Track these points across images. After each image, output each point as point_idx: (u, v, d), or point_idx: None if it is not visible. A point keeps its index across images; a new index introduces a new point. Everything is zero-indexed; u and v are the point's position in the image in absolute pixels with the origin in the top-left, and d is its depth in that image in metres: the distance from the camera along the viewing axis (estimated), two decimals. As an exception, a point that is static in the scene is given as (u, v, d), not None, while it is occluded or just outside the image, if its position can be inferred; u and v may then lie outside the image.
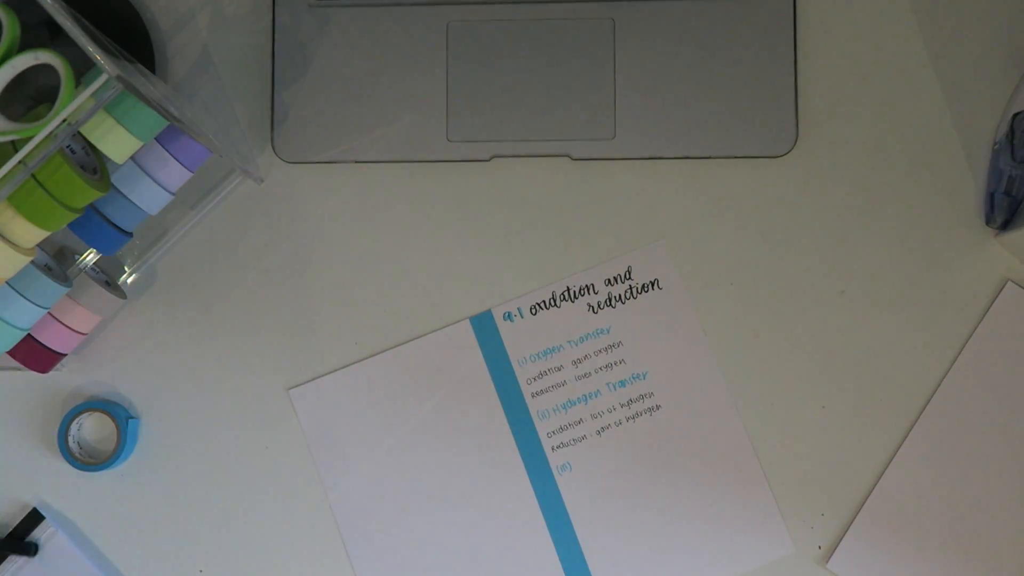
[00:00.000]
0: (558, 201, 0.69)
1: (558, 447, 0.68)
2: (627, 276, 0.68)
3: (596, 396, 0.68)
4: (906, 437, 0.67)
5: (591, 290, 0.69)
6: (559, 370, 0.69)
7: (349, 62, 0.68)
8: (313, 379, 0.69)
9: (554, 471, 0.68)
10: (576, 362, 0.69)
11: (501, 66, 0.67)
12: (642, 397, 0.68)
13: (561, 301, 0.69)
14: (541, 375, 0.69)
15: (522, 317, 0.69)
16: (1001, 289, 0.67)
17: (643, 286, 0.68)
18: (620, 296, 0.68)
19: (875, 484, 0.67)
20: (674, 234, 0.68)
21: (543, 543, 0.68)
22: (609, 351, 0.69)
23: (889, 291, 0.68)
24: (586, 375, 0.69)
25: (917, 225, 0.68)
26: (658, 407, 0.68)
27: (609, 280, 0.69)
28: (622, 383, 0.68)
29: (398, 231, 0.69)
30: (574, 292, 0.69)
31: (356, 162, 0.68)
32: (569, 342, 0.69)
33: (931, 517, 0.67)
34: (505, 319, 0.69)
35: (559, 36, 0.67)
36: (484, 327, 0.69)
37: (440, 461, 0.68)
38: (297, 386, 0.69)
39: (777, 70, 0.67)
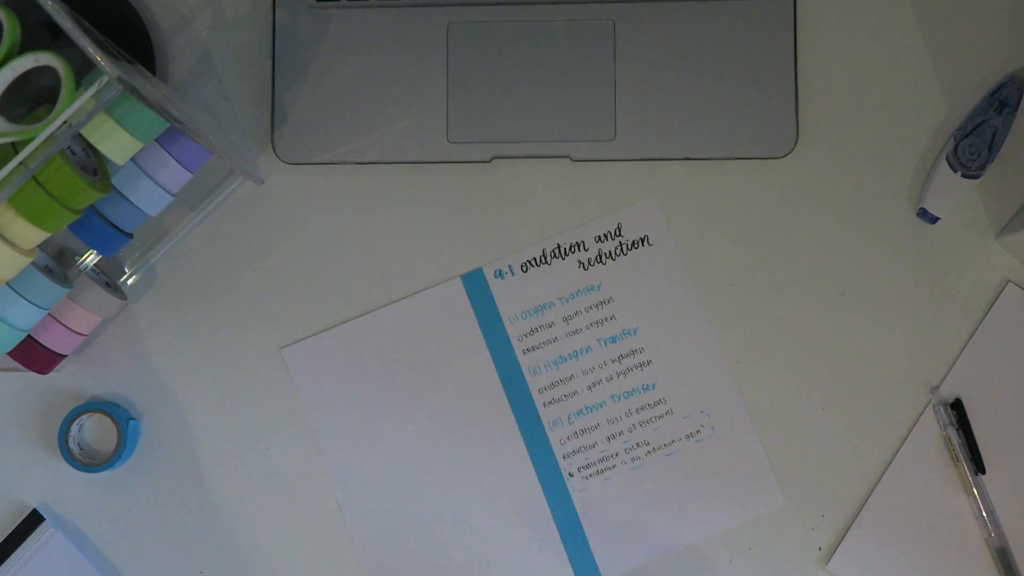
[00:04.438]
0: (559, 202, 0.69)
1: (550, 403, 0.69)
2: (617, 233, 0.69)
3: (587, 352, 0.69)
4: (906, 438, 0.67)
5: (581, 247, 0.69)
6: (550, 327, 0.69)
7: (349, 62, 0.68)
8: (305, 338, 0.69)
9: (546, 427, 0.69)
10: (567, 319, 0.69)
11: (501, 67, 0.67)
12: (633, 352, 0.69)
13: (552, 258, 0.69)
14: (532, 332, 0.69)
15: (513, 275, 0.69)
16: (1002, 290, 0.67)
17: (633, 243, 0.69)
18: (610, 253, 0.69)
19: (875, 485, 0.67)
20: (675, 235, 0.68)
21: (536, 498, 0.68)
22: (600, 307, 0.69)
23: (889, 292, 0.68)
24: (577, 331, 0.69)
25: (917, 225, 0.68)
26: (649, 362, 0.68)
27: (599, 237, 0.69)
28: (613, 339, 0.69)
29: (399, 233, 0.69)
30: (564, 249, 0.69)
31: (356, 163, 0.68)
32: (560, 299, 0.69)
33: (931, 518, 0.67)
34: (496, 277, 0.69)
35: (559, 37, 0.67)
36: (475, 285, 0.69)
37: (432, 418, 0.69)
38: (288, 345, 0.69)
39: (777, 71, 0.67)
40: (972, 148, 0.66)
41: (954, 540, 0.67)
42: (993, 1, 0.68)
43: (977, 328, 0.67)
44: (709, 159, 0.67)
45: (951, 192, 0.66)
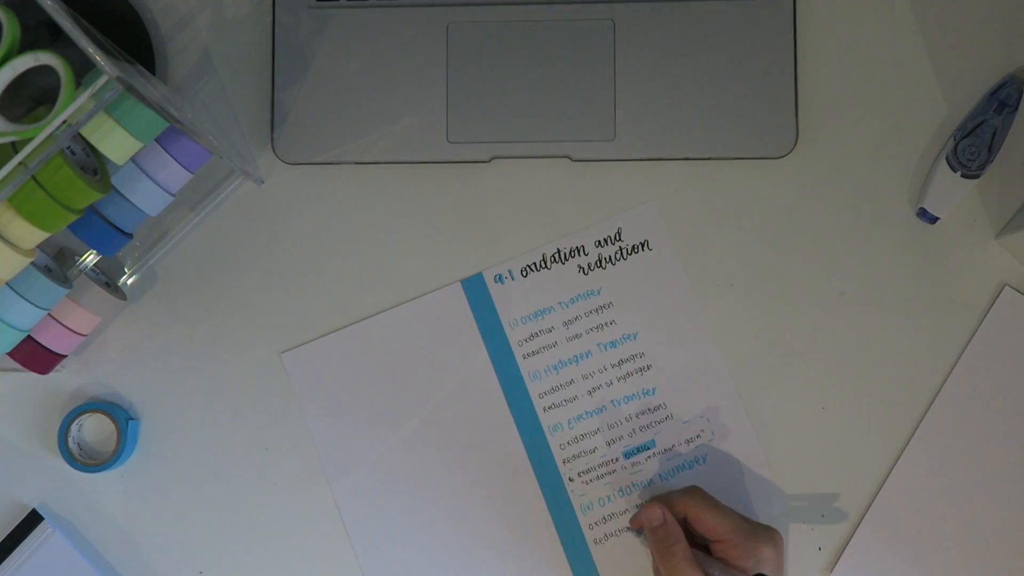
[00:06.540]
0: (558, 202, 0.69)
1: (550, 408, 0.69)
2: (617, 238, 0.69)
3: (587, 357, 0.69)
4: (908, 441, 0.67)
5: (581, 252, 0.69)
6: (550, 331, 0.69)
7: (349, 62, 0.68)
8: (305, 343, 0.69)
9: (546, 432, 0.69)
10: (567, 323, 0.69)
11: (501, 67, 0.67)
12: (633, 357, 0.69)
13: (552, 263, 0.69)
14: (532, 336, 0.69)
15: (513, 279, 0.69)
16: (1001, 290, 0.67)
17: (633, 247, 0.69)
18: (610, 257, 0.69)
19: (875, 485, 0.67)
20: (674, 236, 0.68)
21: (536, 502, 0.68)
22: (600, 312, 0.69)
23: (889, 292, 0.68)
24: (577, 336, 0.69)
25: (917, 225, 0.68)
26: (649, 367, 0.68)
27: (599, 242, 0.69)
28: (613, 344, 0.69)
29: (399, 234, 0.69)
30: (564, 254, 0.69)
31: (356, 163, 0.68)
32: (560, 303, 0.69)
33: (933, 522, 0.67)
34: (496, 281, 0.69)
35: (559, 37, 0.67)
36: (475, 289, 0.69)
37: (431, 422, 0.69)
38: (288, 350, 0.69)
39: (777, 71, 0.67)
40: (972, 148, 0.66)
41: (957, 543, 0.67)
42: (993, 1, 0.68)
43: (977, 328, 0.67)
44: (709, 159, 0.67)
45: (951, 192, 0.66)
